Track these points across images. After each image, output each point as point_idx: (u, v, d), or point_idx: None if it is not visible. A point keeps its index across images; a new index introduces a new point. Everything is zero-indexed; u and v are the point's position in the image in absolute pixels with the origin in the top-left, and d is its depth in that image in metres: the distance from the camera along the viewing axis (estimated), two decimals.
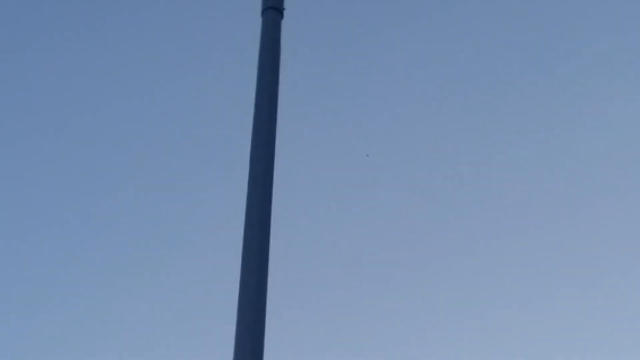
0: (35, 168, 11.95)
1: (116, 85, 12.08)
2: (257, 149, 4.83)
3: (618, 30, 12.05)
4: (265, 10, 5.30)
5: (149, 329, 11.22)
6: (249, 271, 4.42)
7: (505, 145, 11.87)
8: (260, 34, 5.27)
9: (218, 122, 11.52)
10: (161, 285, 11.48)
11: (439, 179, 11.82)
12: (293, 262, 10.72)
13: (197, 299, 11.15)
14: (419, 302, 11.37)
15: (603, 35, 12.03)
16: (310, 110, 11.13)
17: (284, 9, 5.32)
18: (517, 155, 11.90)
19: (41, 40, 12.36)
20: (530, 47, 12.11)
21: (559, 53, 11.99)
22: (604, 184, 11.79)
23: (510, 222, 11.83)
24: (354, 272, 11.49)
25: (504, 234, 11.82)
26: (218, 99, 11.55)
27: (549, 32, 12.12)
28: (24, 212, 11.93)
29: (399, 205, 11.76)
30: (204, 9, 11.45)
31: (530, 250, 11.64)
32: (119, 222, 11.88)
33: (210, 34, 11.75)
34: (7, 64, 12.05)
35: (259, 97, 5.02)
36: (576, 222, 11.72)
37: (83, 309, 11.41)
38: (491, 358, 10.87)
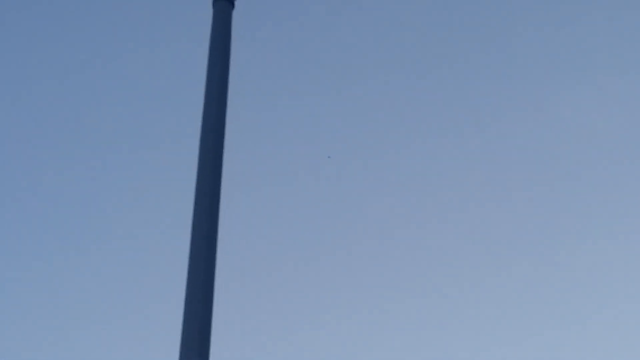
0: None
1: (63, 71, 11.94)
2: (206, 143, 4.78)
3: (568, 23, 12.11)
4: (216, 1, 5.26)
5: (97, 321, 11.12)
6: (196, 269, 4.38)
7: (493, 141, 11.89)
8: (211, 24, 5.22)
9: (168, 114, 11.43)
10: (109, 276, 11.38)
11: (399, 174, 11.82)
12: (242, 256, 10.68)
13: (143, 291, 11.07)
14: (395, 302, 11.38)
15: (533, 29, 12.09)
16: (261, 103, 11.07)
17: None
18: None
19: None
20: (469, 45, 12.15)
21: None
22: (603, 183, 11.85)
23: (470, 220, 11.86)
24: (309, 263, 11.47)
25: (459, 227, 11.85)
26: (168, 90, 11.46)
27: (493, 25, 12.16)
28: None
29: (364, 202, 11.75)
30: None
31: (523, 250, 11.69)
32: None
33: (160, 24, 11.65)
34: None
35: (209, 88, 4.97)
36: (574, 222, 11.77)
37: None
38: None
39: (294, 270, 11.35)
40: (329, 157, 10.61)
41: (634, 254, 11.34)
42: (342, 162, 11.50)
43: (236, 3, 5.30)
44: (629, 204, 11.56)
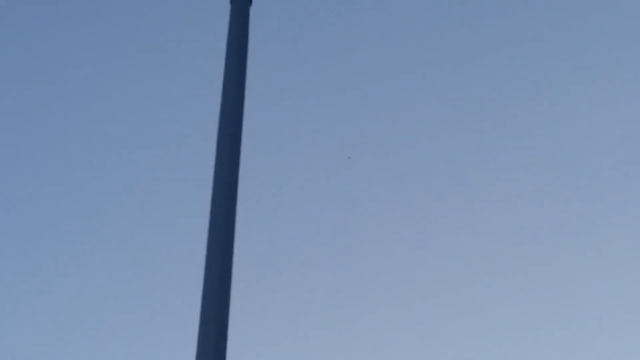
0: None
1: (79, 68, 11.95)
2: (224, 142, 4.75)
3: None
4: None
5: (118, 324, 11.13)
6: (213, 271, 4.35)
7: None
8: (228, 22, 5.19)
9: (185, 113, 11.43)
10: (125, 282, 11.39)
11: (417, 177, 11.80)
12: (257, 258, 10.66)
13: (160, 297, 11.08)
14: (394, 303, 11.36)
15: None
16: (279, 102, 11.05)
17: None
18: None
19: None
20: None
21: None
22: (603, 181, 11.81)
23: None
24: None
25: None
26: (185, 88, 11.45)
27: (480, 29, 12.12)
28: None
29: (376, 202, 11.73)
30: None
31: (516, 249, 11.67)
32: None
33: (178, 21, 11.65)
34: None
35: (226, 86, 4.94)
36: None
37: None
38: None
39: (310, 270, 11.34)
40: (349, 157, 10.60)
41: (635, 254, 11.32)
42: (358, 161, 11.48)
43: (254, 0, 5.28)
44: (631, 204, 11.53)
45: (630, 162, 11.60)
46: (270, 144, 10.92)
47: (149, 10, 11.77)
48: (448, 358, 10.74)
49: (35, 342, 10.83)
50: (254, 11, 5.27)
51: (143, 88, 11.81)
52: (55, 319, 11.05)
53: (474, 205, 11.68)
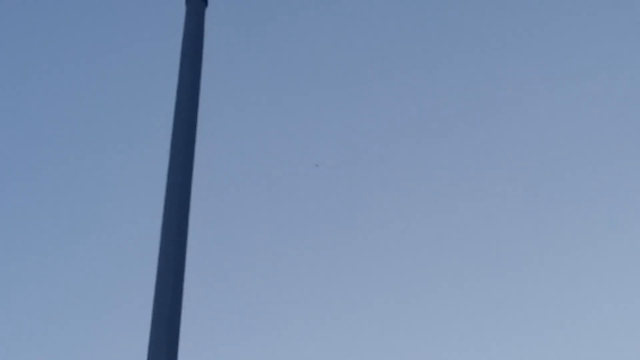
0: None
1: (34, 69, 11.85)
2: (177, 148, 4.74)
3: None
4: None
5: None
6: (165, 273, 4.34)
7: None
8: (184, 23, 5.18)
9: (139, 118, 11.37)
10: (77, 284, 11.31)
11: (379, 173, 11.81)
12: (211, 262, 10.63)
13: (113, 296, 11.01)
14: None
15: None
16: (234, 104, 11.02)
17: None
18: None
19: None
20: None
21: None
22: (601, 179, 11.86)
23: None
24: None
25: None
26: (139, 92, 11.39)
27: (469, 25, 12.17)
28: None
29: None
30: None
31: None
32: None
33: (132, 22, 11.59)
34: None
35: (181, 90, 4.92)
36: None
37: None
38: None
39: (273, 267, 11.32)
40: (316, 165, 10.57)
41: (630, 252, 11.38)
42: (331, 162, 11.47)
43: (210, 1, 5.27)
44: (624, 202, 11.60)
45: (628, 159, 11.67)
46: (230, 143, 10.88)
47: (104, 10, 11.69)
48: (447, 358, 10.76)
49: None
50: (217, 12, 5.27)
51: (96, 88, 11.73)
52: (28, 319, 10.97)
53: (470, 204, 11.70)
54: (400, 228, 11.57)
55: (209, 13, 5.25)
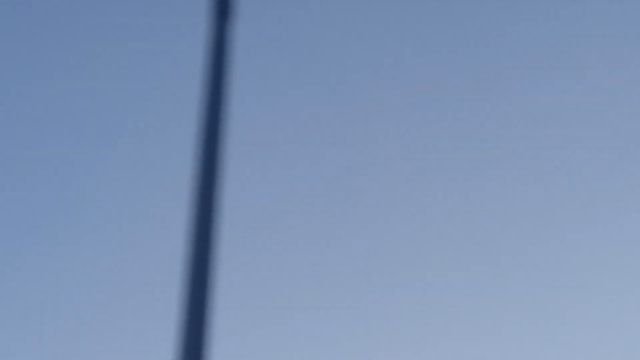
0: None
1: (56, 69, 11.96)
2: (205, 141, 4.81)
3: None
4: (215, 9, 5.29)
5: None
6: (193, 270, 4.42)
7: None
8: (209, 35, 5.25)
9: (163, 128, 11.44)
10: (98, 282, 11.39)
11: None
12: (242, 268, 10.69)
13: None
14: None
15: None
16: (264, 115, 11.08)
17: (233, 8, 5.32)
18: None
19: None
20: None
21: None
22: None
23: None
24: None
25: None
26: (167, 90, 11.48)
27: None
28: None
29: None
30: (153, 6, 11.39)
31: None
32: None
33: (156, 30, 11.68)
34: None
35: (207, 104, 5.00)
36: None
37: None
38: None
39: (294, 272, 11.36)
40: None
41: (630, 252, 11.32)
42: (341, 157, 11.50)
43: (235, 8, 5.33)
44: (621, 198, 11.54)
45: (629, 156, 11.62)
46: (259, 143, 10.96)
47: (126, 21, 11.79)
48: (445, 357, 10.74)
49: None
50: (242, 22, 5.33)
51: (121, 91, 11.83)
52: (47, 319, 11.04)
53: (470, 203, 11.68)
54: (402, 225, 11.58)
55: (234, 25, 5.32)
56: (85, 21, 11.95)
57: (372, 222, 11.52)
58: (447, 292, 11.27)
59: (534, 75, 11.91)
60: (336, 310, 11.15)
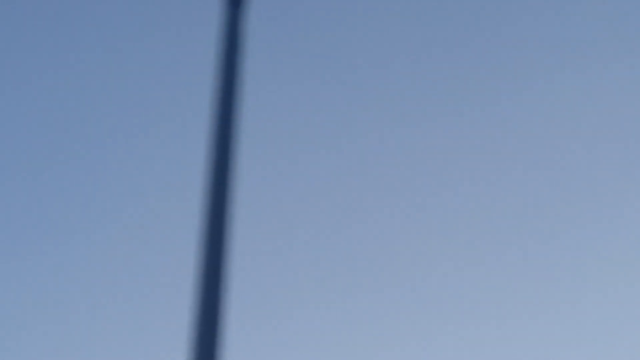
0: None
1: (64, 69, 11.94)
2: (217, 144, 4.75)
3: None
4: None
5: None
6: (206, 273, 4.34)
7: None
8: (221, 23, 5.20)
9: (176, 122, 11.42)
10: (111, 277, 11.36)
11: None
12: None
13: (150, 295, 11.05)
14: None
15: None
16: (271, 101, 11.05)
17: None
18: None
19: None
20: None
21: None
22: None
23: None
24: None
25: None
26: (178, 87, 11.45)
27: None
28: None
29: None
30: None
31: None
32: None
33: (168, 20, 11.65)
34: None
35: (221, 94, 4.93)
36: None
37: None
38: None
39: (304, 273, 11.33)
40: None
41: (630, 251, 11.31)
42: (355, 163, 11.48)
43: (245, 2, 5.28)
44: (625, 199, 11.53)
45: (630, 155, 11.60)
46: (270, 144, 10.91)
47: (138, 12, 11.76)
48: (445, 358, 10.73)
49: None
50: (254, 12, 5.27)
51: (133, 87, 11.79)
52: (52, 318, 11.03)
53: (470, 203, 11.67)
54: (408, 224, 11.56)
55: (246, 14, 5.26)
56: (93, 15, 11.90)
57: (379, 221, 11.49)
58: (453, 291, 11.25)
59: (535, 75, 11.87)
60: (344, 309, 11.10)
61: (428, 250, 11.51)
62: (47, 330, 10.90)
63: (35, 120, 11.79)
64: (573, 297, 11.24)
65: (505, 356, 10.79)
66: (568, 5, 12.03)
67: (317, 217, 11.47)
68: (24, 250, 11.47)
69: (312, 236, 11.44)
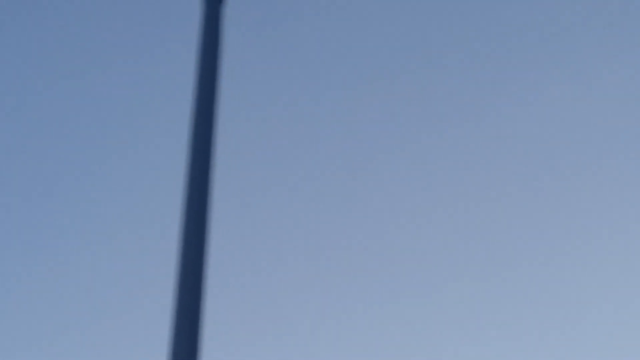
0: None
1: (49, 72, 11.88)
2: (196, 146, 4.71)
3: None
4: None
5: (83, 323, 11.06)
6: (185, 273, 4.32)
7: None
8: (200, 22, 5.17)
9: (157, 114, 11.38)
10: (91, 281, 11.33)
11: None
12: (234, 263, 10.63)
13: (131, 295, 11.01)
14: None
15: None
16: (253, 101, 11.03)
17: None
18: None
19: None
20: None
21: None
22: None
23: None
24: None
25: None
26: (159, 89, 11.40)
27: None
28: None
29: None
30: None
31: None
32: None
33: (149, 21, 11.60)
34: None
35: (199, 88, 4.90)
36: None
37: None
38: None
39: (287, 270, 11.32)
40: None
41: (630, 254, 11.34)
42: (338, 161, 11.47)
43: (226, 1, 5.25)
44: (625, 201, 11.56)
45: (628, 158, 11.63)
46: (249, 142, 10.89)
47: (119, 12, 11.71)
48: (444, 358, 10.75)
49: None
50: (227, 10, 5.25)
51: (113, 89, 11.75)
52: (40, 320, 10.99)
53: (468, 203, 11.68)
54: (404, 225, 11.57)
55: (226, 12, 5.24)
56: (70, 15, 11.84)
57: (374, 222, 11.48)
58: (451, 292, 11.26)
59: (535, 75, 11.89)
60: (334, 310, 11.09)
61: (428, 250, 11.51)
62: (35, 331, 10.85)
63: (21, 121, 11.74)
64: (573, 297, 11.27)
65: (505, 356, 10.82)
66: (572, 5, 12.06)
67: (303, 215, 11.45)
68: (15, 253, 11.43)
69: (300, 235, 11.42)
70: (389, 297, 11.19)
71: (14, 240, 11.57)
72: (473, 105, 11.79)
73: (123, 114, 11.66)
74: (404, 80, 11.88)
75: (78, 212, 11.54)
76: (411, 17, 12.01)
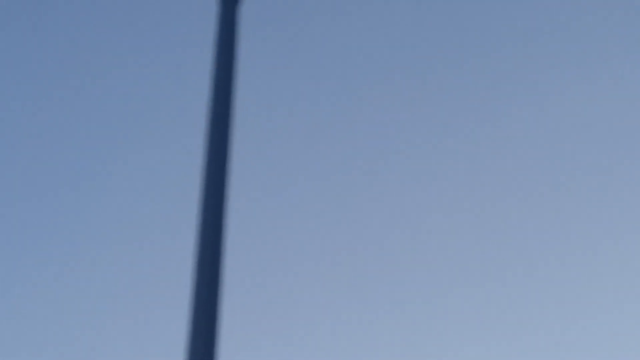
0: None
1: (63, 71, 11.90)
2: (213, 143, 4.71)
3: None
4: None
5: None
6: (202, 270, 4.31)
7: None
8: (216, 22, 5.16)
9: (174, 114, 11.38)
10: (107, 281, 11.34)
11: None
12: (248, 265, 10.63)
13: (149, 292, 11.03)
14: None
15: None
16: (269, 102, 11.03)
17: None
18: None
19: None
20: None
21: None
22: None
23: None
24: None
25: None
26: (175, 89, 11.41)
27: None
28: None
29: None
30: None
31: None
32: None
33: (166, 22, 11.61)
34: None
35: (216, 88, 4.90)
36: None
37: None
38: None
39: (301, 272, 11.32)
40: None
41: (632, 255, 11.32)
42: (347, 162, 11.46)
43: (242, 1, 5.24)
44: (628, 202, 11.54)
45: (628, 160, 11.60)
46: (264, 144, 10.88)
47: (136, 12, 11.72)
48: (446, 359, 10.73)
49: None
50: (243, 10, 5.24)
51: (129, 89, 11.76)
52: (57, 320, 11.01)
53: (471, 205, 11.67)
54: (408, 229, 11.57)
55: (241, 12, 5.23)
56: (85, 16, 11.86)
57: (377, 223, 11.49)
58: (453, 291, 11.25)
59: (542, 76, 11.87)
60: (343, 309, 11.08)
61: (427, 250, 11.50)
62: (44, 330, 10.87)
63: (28, 121, 11.77)
64: (576, 300, 11.25)
65: (507, 357, 10.81)
66: (571, 5, 12.03)
67: (315, 217, 11.45)
68: (19, 252, 11.45)
69: (310, 236, 11.42)
70: (404, 298, 11.18)
71: (32, 243, 11.60)
72: (479, 108, 11.78)
73: (139, 115, 11.66)
74: (414, 83, 11.87)
75: (99, 213, 11.56)
76: (423, 20, 11.99)
